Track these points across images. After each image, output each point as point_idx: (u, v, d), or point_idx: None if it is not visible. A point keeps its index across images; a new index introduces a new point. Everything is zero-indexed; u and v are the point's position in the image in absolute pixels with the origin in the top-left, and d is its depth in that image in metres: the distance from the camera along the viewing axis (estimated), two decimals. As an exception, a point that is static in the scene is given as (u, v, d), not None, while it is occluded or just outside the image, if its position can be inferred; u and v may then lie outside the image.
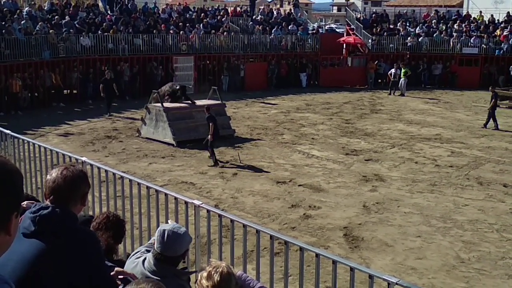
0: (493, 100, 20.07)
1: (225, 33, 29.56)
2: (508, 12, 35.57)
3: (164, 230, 3.21)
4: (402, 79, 28.26)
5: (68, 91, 24.46)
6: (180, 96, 18.10)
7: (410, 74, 28.67)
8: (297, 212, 11.09)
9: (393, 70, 28.34)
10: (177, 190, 11.97)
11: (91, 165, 6.21)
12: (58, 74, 23.29)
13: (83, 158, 6.34)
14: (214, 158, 14.74)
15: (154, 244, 3.23)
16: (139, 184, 5.61)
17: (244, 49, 29.72)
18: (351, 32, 34.20)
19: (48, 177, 2.83)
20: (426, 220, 10.73)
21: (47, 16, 25.65)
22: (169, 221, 3.93)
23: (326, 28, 43.24)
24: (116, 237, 3.75)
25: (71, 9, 27.01)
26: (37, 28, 23.78)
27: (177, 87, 18.30)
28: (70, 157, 6.53)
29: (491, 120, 19.89)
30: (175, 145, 16.46)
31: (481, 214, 11.11)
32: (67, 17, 25.58)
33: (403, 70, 28.35)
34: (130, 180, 5.76)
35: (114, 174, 6.02)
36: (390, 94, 28.17)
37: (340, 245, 9.53)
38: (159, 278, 2.96)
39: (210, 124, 14.81)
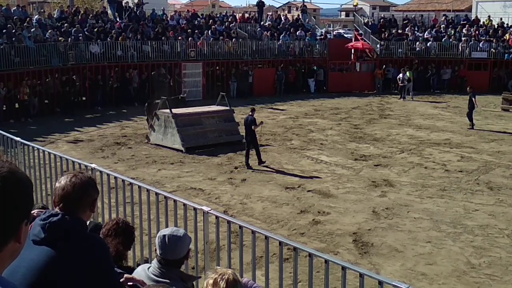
0: (471, 100, 20.47)
1: (233, 39, 29.64)
2: (517, 16, 35.48)
3: (164, 235, 3.30)
4: (406, 83, 28.30)
5: (78, 98, 24.59)
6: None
7: (413, 78, 28.78)
8: (306, 218, 11.07)
9: (400, 75, 28.32)
10: (186, 196, 11.99)
11: (101, 171, 6.23)
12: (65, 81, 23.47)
13: (93, 165, 6.36)
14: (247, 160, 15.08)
15: (155, 250, 3.30)
16: (148, 190, 5.62)
17: (252, 55, 29.79)
18: (359, 37, 34.19)
19: (57, 184, 2.85)
20: (436, 226, 10.67)
21: (56, 24, 25.85)
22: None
23: (334, 33, 43.32)
24: (125, 244, 3.77)
25: (80, 16, 27.20)
26: (46, 36, 23.96)
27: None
28: (79, 163, 6.56)
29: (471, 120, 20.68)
30: (184, 151, 16.49)
31: (491, 219, 11.04)
32: (76, 24, 25.76)
33: (408, 73, 28.40)
34: (139, 187, 5.77)
35: (123, 180, 6.04)
36: (401, 98, 28.18)
37: (350, 251, 9.49)
38: (167, 281, 3.02)
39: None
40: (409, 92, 28.36)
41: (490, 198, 12.41)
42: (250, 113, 15.51)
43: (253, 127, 15.00)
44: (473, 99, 20.42)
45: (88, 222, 3.35)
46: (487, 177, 14.06)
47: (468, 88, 21.43)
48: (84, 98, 24.69)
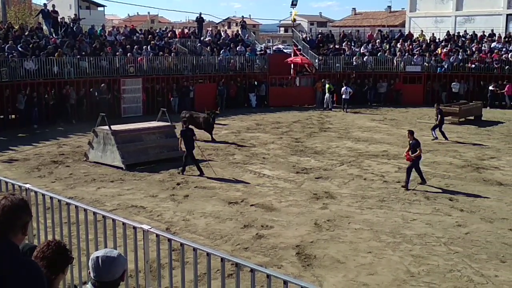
0: (439, 117, 21.02)
1: (173, 54, 29.50)
2: (448, 31, 37.02)
3: (97, 257, 3.21)
4: (327, 95, 30.00)
5: (13, 116, 23.79)
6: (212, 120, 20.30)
7: (333, 90, 30.32)
8: (250, 232, 11.06)
9: (343, 89, 29.27)
10: (127, 215, 11.77)
11: (35, 192, 6.02)
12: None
13: (27, 185, 6.15)
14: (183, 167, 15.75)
15: (89, 273, 3.19)
16: (85, 210, 5.48)
17: (193, 71, 29.73)
18: (298, 53, 34.76)
19: (-13, 207, 2.72)
20: (376, 236, 10.89)
21: (-11, 40, 25.01)
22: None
23: (273, 48, 43.80)
24: (56, 268, 3.51)
25: (14, 32, 26.40)
26: (-22, 52, 23.13)
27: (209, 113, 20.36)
28: (13, 184, 6.32)
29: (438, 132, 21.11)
30: (124, 168, 16.19)
31: (429, 228, 11.36)
32: (10, 41, 24.97)
33: (327, 86, 30.01)
34: (76, 206, 5.61)
35: (59, 200, 5.86)
36: (343, 110, 29.49)
37: (293, 263, 9.54)
38: None
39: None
40: (326, 103, 30.19)
41: (427, 208, 12.79)
42: (185, 126, 15.98)
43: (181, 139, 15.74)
44: (441, 116, 21.10)
45: (22, 245, 3.21)
46: (424, 187, 14.49)
47: (435, 105, 22.20)
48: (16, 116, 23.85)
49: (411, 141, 14.44)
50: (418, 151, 14.15)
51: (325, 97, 30.14)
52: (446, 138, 20.95)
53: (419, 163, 14.48)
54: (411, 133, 14.69)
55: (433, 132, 21.29)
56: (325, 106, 30.13)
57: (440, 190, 14.21)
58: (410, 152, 14.30)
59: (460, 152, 19.09)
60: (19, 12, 48.89)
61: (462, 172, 16.31)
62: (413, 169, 14.31)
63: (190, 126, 16.40)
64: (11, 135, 21.65)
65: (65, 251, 3.39)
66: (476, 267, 9.38)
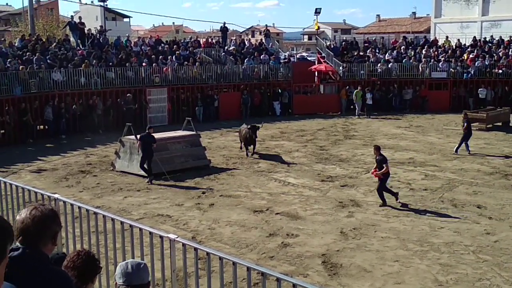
0: (465, 125, 19.68)
1: (197, 64, 29.72)
2: (474, 37, 36.58)
3: (126, 263, 3.29)
4: (358, 102, 30.03)
5: (42, 126, 24.21)
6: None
7: (362, 97, 30.15)
8: (275, 241, 11.05)
9: (367, 95, 29.31)
10: (153, 223, 11.86)
11: (64, 202, 6.12)
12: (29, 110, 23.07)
13: (56, 195, 6.25)
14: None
15: (116, 283, 3.23)
16: (113, 219, 5.55)
17: (217, 79, 29.90)
18: (322, 60, 34.67)
19: (18, 217, 2.79)
20: (403, 244, 10.78)
21: (18, 52, 25.53)
22: None
23: (297, 56, 43.76)
24: (86, 277, 3.59)
25: (42, 45, 26.91)
26: (7, 65, 23.61)
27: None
28: (42, 194, 6.43)
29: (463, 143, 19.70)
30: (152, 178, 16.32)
31: (457, 236, 11.21)
32: (37, 53, 25.45)
33: (356, 93, 30.15)
34: (104, 216, 5.68)
35: (87, 210, 5.95)
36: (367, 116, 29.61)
37: (319, 272, 9.50)
38: None
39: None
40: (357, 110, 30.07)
41: (454, 215, 12.61)
42: (148, 131, 16.22)
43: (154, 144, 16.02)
44: (466, 124, 19.61)
45: (52, 254, 3.27)
46: (451, 195, 14.31)
47: (463, 114, 20.62)
48: (44, 127, 24.26)
49: (377, 157, 13.52)
50: (385, 168, 13.20)
51: (357, 104, 30.07)
52: (469, 152, 19.58)
53: (387, 180, 13.63)
54: (377, 148, 13.71)
55: (466, 145, 19.64)
56: (357, 114, 29.95)
57: (468, 198, 14.00)
58: (377, 169, 13.42)
59: (488, 159, 18.81)
60: (47, 24, 49.72)
61: (490, 179, 16.06)
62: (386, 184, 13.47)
63: (153, 133, 16.39)
64: (39, 145, 22.03)
65: (94, 260, 3.46)
66: (505, 276, 9.22)
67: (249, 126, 19.65)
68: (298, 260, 10.04)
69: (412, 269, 9.58)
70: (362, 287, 8.89)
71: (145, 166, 16.06)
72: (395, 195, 13.62)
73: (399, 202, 13.46)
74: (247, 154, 19.39)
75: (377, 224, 12.04)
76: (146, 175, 16.12)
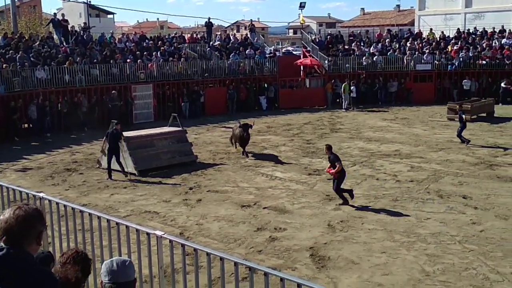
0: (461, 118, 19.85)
1: (182, 59, 29.61)
2: (458, 29, 36.85)
3: (111, 260, 3.31)
4: (345, 95, 30.34)
5: (26, 125, 24.01)
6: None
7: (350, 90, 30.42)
8: (263, 235, 11.07)
9: (352, 88, 29.63)
10: (141, 220, 11.84)
11: (49, 200, 6.09)
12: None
13: (41, 194, 6.22)
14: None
15: (102, 282, 3.25)
16: (99, 217, 5.53)
17: (203, 75, 29.82)
18: (307, 54, 34.73)
19: (1, 217, 2.77)
20: (390, 236, 10.86)
21: (0, 51, 25.25)
22: None
23: (283, 51, 43.84)
24: (84, 272, 3.76)
25: (25, 42, 26.64)
26: (-10, 63, 23.37)
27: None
28: (27, 193, 6.39)
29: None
30: (137, 174, 16.28)
31: (443, 227, 11.31)
32: (20, 51, 25.20)
33: (344, 86, 30.39)
34: (90, 214, 5.66)
35: (73, 208, 5.92)
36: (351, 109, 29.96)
37: (307, 265, 9.54)
38: None
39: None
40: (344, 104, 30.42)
41: (440, 206, 12.72)
42: (115, 128, 16.23)
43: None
44: (463, 116, 19.85)
45: (37, 252, 3.27)
46: (437, 186, 14.43)
47: (457, 107, 20.97)
48: (29, 125, 24.06)
49: (329, 156, 13.24)
50: (338, 166, 12.88)
51: (345, 97, 30.30)
52: (463, 142, 19.68)
53: (344, 180, 13.24)
54: (328, 148, 13.37)
55: (461, 137, 19.78)
56: (345, 107, 30.21)
57: (453, 188, 14.12)
58: (331, 169, 13.12)
59: (473, 149, 18.97)
60: (30, 21, 49.25)
61: (475, 169, 16.21)
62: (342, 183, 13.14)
63: (120, 129, 16.40)
64: (24, 144, 21.85)
65: (90, 260, 3.65)
66: (491, 265, 9.32)
67: (240, 125, 18.83)
68: (286, 253, 10.08)
69: (399, 260, 9.65)
70: (350, 279, 8.95)
71: (120, 161, 16.18)
72: (350, 192, 13.17)
73: (354, 201, 13.08)
74: (243, 153, 18.79)
75: (364, 216, 12.11)
76: (121, 170, 16.17)
